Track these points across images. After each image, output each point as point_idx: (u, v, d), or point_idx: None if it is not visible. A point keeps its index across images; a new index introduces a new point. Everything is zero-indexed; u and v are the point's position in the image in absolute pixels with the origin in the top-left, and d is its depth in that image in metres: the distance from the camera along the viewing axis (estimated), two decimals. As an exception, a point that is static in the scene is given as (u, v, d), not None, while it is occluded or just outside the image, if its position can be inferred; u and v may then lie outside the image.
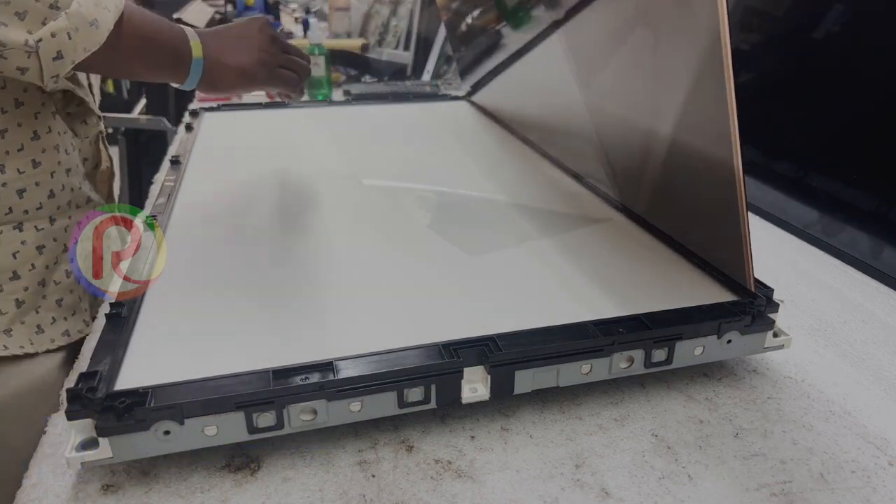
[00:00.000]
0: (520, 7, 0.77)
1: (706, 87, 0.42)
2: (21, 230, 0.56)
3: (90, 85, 0.64)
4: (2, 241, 0.54)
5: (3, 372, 0.56)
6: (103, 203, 0.65)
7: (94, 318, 0.62)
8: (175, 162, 0.71)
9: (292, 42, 0.76)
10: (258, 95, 1.25)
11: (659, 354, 0.41)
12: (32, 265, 0.57)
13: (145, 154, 1.72)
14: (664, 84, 0.49)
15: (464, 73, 1.04)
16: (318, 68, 1.17)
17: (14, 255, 0.55)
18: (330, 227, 0.57)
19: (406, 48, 1.43)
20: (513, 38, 0.80)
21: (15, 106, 0.54)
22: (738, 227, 0.42)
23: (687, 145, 0.48)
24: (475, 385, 0.39)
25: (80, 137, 0.62)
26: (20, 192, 0.55)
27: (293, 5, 2.39)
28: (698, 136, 0.46)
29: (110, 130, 1.65)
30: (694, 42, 0.43)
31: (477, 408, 0.41)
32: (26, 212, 0.56)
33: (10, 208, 0.54)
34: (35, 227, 0.57)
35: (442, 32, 1.34)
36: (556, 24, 0.66)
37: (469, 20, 0.94)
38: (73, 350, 0.59)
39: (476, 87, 1.00)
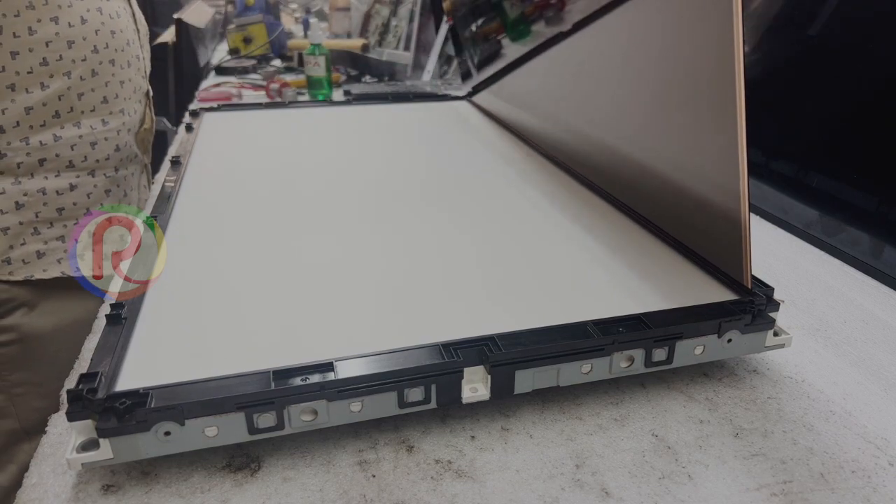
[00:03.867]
0: (520, 20, 0.78)
1: (712, 91, 0.42)
2: (93, 176, 0.68)
3: (145, 60, 0.77)
4: (80, 185, 0.67)
5: (69, 299, 0.67)
6: (146, 159, 0.80)
7: None
8: (175, 162, 0.71)
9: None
10: (258, 95, 1.25)
11: (659, 354, 0.41)
12: (101, 205, 0.70)
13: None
14: (667, 89, 0.49)
15: (465, 75, 1.04)
16: (319, 68, 1.18)
17: (87, 196, 0.68)
18: (330, 226, 0.57)
19: (406, 48, 1.43)
20: (516, 46, 0.80)
21: (91, 75, 0.66)
22: (738, 225, 0.42)
23: (690, 146, 0.48)
24: (475, 385, 0.39)
25: (140, 104, 0.75)
26: (93, 145, 0.67)
27: (293, 5, 2.40)
28: (702, 138, 0.46)
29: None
30: (701, 48, 0.43)
31: (477, 408, 0.41)
32: (97, 161, 0.68)
33: (85, 157, 0.67)
34: (104, 174, 0.70)
35: (442, 32, 1.35)
36: (560, 36, 0.66)
37: (474, 27, 0.94)
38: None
39: (477, 89, 1.00)
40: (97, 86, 0.67)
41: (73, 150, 0.66)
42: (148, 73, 0.79)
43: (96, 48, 0.66)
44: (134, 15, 0.75)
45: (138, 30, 0.75)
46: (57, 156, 0.65)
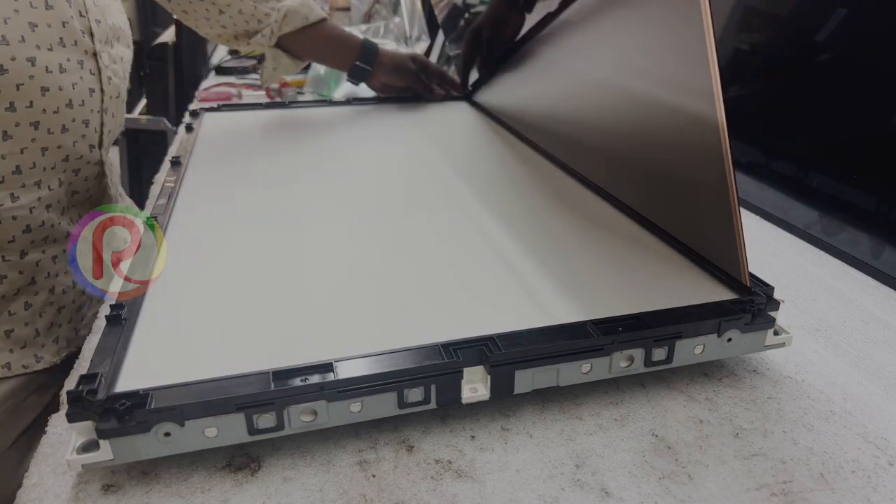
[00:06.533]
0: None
1: (694, 79, 0.42)
2: None
3: (101, 138, 0.65)
4: None
5: None
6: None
7: (61, 353, 0.61)
8: (175, 162, 0.71)
9: None
10: (258, 95, 1.25)
11: (659, 353, 0.41)
12: None
13: (145, 154, 1.72)
14: (652, 77, 0.49)
15: (466, 72, 1.04)
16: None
17: None
18: (330, 227, 0.57)
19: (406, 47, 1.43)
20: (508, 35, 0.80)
21: (2, 138, 0.54)
22: (730, 221, 0.42)
23: (678, 139, 0.48)
24: (475, 385, 0.39)
25: (77, 175, 0.62)
26: None
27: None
28: (688, 130, 0.46)
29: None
30: (678, 36, 0.43)
31: (477, 408, 0.41)
32: None
33: None
34: (3, 257, 0.57)
35: (441, 33, 1.34)
36: (549, 17, 0.66)
37: (462, 20, 0.94)
38: (13, 384, 0.58)
39: (476, 87, 1.00)
40: (9, 152, 0.54)
41: None
42: (108, 142, 0.67)
43: (13, 105, 0.53)
44: (100, 71, 0.62)
45: (103, 90, 0.63)
46: None
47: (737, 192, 0.41)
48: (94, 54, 0.61)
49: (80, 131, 0.60)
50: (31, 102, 0.55)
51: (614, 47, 0.55)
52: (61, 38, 0.57)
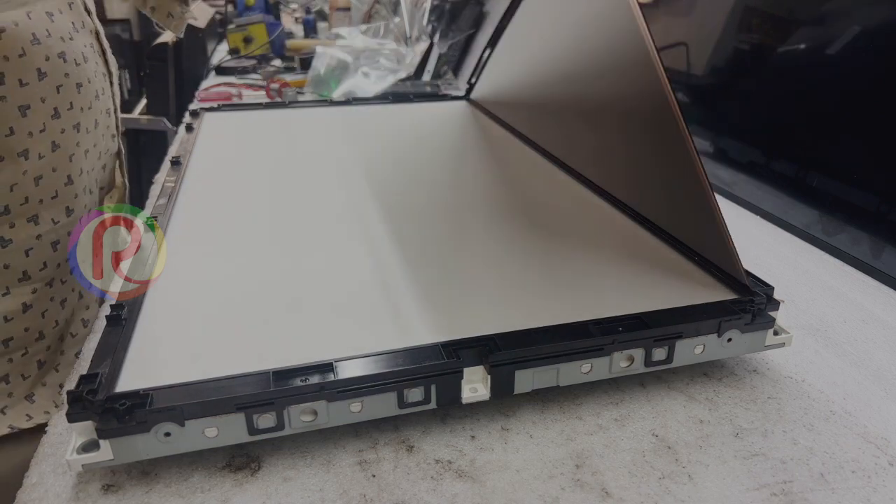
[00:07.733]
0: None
1: (639, 64, 0.42)
2: (51, 286, 0.52)
3: (117, 118, 0.63)
4: (35, 302, 0.50)
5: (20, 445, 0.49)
6: None
7: None
8: (175, 162, 0.71)
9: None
10: (258, 95, 1.25)
11: (659, 353, 0.41)
12: (56, 322, 0.53)
13: (145, 154, 1.72)
14: (609, 66, 0.49)
15: (457, 69, 1.04)
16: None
17: (42, 315, 0.51)
18: (330, 227, 0.57)
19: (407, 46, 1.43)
20: (490, 22, 0.79)
21: (51, 150, 0.50)
22: (712, 215, 0.43)
23: (645, 130, 0.48)
24: (475, 385, 0.39)
25: (105, 170, 0.61)
26: (54, 245, 0.52)
27: (293, 5, 2.39)
28: (649, 118, 0.46)
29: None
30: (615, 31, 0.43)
31: (477, 408, 0.41)
32: (59, 265, 0.52)
33: (44, 263, 0.50)
34: (62, 280, 0.54)
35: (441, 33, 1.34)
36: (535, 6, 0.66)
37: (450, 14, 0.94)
38: None
39: (472, 84, 1.00)
40: (59, 163, 0.50)
41: (28, 256, 0.49)
42: (121, 127, 0.64)
43: (57, 112, 0.49)
44: (104, 52, 0.59)
45: (110, 72, 0.59)
46: (6, 267, 0.48)
47: (711, 186, 0.42)
48: (97, 33, 0.58)
49: (105, 122, 0.58)
50: (71, 104, 0.51)
51: (575, 33, 0.55)
52: (73, 23, 0.55)
